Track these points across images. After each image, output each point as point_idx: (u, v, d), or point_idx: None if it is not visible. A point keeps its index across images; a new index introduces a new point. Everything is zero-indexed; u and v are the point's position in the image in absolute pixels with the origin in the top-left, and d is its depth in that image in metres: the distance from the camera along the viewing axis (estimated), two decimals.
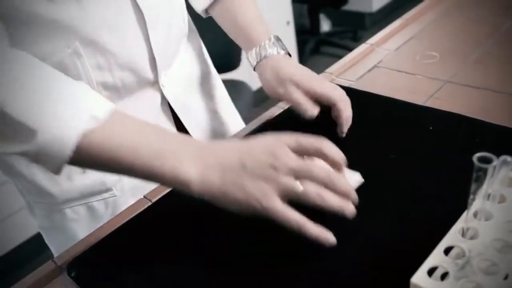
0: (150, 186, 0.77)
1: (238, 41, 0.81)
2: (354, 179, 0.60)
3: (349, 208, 0.52)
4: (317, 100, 0.71)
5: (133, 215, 0.65)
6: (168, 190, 0.68)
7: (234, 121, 0.98)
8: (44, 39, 0.62)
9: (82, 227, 0.78)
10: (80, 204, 0.77)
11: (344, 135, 0.70)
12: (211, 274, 0.55)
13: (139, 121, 0.56)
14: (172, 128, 0.82)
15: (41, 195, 0.76)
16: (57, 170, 0.54)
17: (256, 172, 0.51)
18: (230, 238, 0.58)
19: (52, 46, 0.63)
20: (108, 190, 0.76)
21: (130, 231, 0.63)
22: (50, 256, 0.63)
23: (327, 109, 0.71)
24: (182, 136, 0.57)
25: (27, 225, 1.93)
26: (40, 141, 0.50)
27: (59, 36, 0.62)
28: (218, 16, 0.84)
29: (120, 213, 0.67)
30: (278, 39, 0.78)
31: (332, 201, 0.51)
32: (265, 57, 0.75)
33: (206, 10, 0.85)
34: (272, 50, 0.75)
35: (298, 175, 0.51)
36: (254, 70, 0.78)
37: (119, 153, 0.52)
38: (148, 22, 0.69)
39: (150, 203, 0.67)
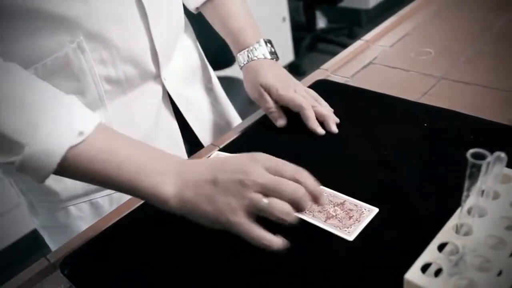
0: None
1: (228, 42, 0.83)
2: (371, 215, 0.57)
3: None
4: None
5: (126, 212, 0.65)
6: None
7: (231, 114, 0.98)
8: (49, 34, 0.62)
9: (86, 224, 0.77)
10: (84, 201, 0.77)
11: (324, 132, 0.72)
12: (206, 271, 0.54)
13: (124, 136, 0.58)
14: (174, 122, 0.82)
15: (45, 193, 0.75)
16: (41, 180, 0.55)
17: (226, 188, 0.52)
18: (226, 235, 0.58)
19: (57, 41, 0.63)
20: None
21: (123, 229, 0.63)
22: (45, 254, 0.63)
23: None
24: (165, 153, 0.58)
25: (22, 223, 1.93)
26: (26, 154, 0.52)
27: (64, 31, 0.63)
28: (210, 16, 0.86)
29: (113, 210, 0.67)
30: (267, 43, 0.79)
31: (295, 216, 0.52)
32: (251, 59, 0.77)
33: (197, 8, 0.86)
34: (258, 54, 0.78)
35: (266, 191, 0.52)
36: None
37: (104, 168, 0.54)
38: (150, 15, 0.69)
39: (143, 201, 0.67)
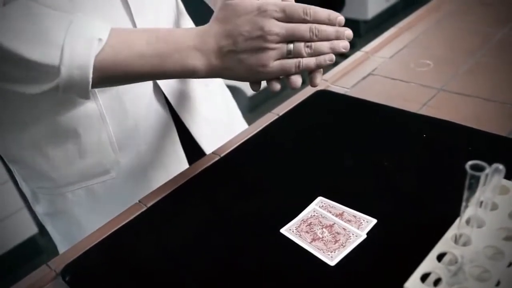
0: (148, 168, 0.79)
1: None
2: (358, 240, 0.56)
3: (339, 44, 0.59)
4: None
5: (128, 219, 0.66)
6: (163, 195, 0.68)
7: (235, 121, 0.99)
8: None
9: (83, 210, 0.80)
10: (80, 188, 0.78)
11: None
12: (206, 280, 0.55)
13: (136, 30, 0.66)
14: (166, 113, 0.81)
15: (43, 180, 0.78)
16: (87, 95, 0.60)
17: (249, 47, 0.57)
18: (226, 244, 0.59)
19: None
20: (106, 172, 0.77)
21: (124, 236, 0.63)
22: (44, 260, 0.63)
23: None
24: (177, 31, 0.61)
25: (23, 228, 1.93)
26: (64, 74, 0.56)
27: None
28: None
29: (115, 217, 0.67)
30: None
31: (322, 47, 0.58)
32: None
33: None
34: None
35: (286, 37, 0.57)
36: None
37: (129, 63, 0.59)
38: (133, 9, 0.70)
39: (145, 208, 0.67)
